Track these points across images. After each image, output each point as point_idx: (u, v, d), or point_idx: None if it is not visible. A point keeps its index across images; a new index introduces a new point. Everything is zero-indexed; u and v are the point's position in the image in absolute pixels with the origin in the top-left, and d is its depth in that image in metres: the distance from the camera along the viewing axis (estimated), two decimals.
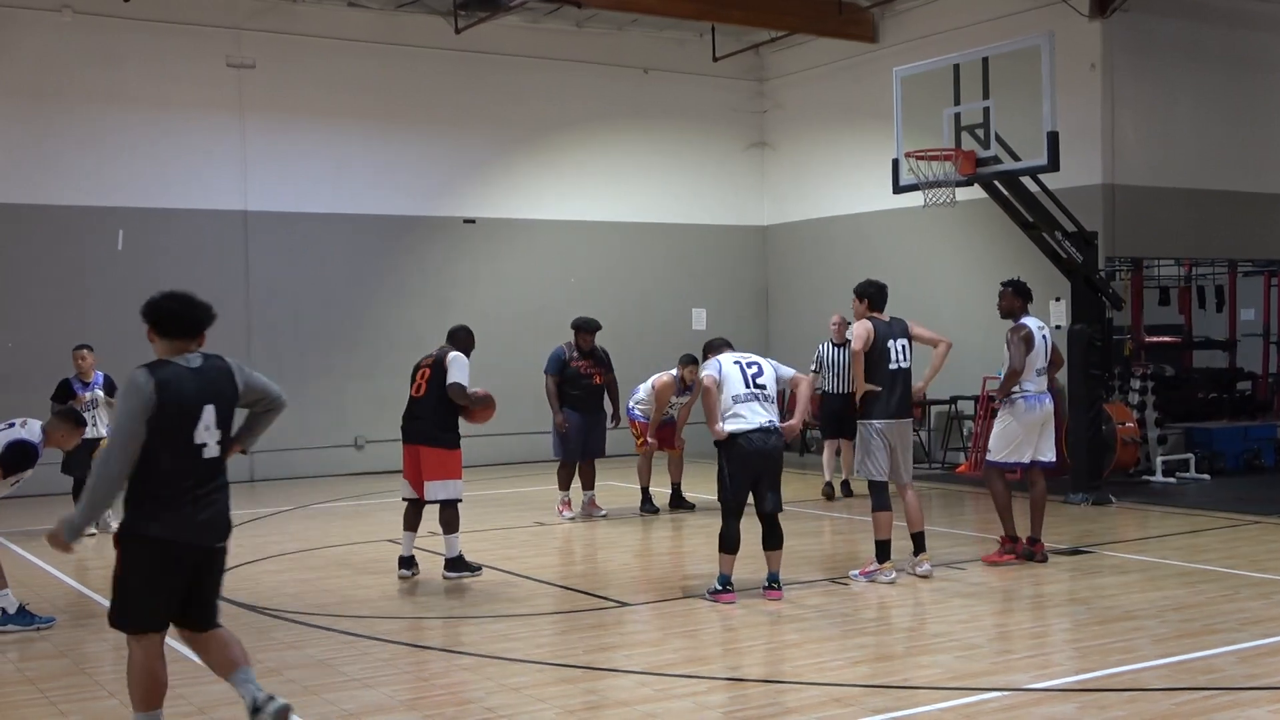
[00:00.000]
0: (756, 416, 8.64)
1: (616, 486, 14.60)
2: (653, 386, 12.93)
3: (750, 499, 8.81)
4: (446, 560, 9.79)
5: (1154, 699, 6.27)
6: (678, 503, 13.30)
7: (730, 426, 8.60)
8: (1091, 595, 8.82)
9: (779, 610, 8.45)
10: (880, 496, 9.32)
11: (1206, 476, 15.01)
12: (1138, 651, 7.25)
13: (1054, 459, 10.15)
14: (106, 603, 8.99)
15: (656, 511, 13.06)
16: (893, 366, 9.33)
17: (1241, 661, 7.00)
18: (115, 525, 12.62)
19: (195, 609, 5.41)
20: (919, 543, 9.47)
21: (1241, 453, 15.76)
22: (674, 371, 12.91)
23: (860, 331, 9.38)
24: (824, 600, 8.76)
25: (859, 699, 6.39)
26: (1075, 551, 10.45)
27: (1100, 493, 13.22)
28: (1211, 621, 7.91)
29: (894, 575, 9.24)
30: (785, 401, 12.37)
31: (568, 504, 12.83)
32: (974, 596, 8.84)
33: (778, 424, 8.77)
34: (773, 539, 8.83)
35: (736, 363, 8.88)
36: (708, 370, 8.84)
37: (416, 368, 9.95)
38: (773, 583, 8.84)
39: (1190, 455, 15.20)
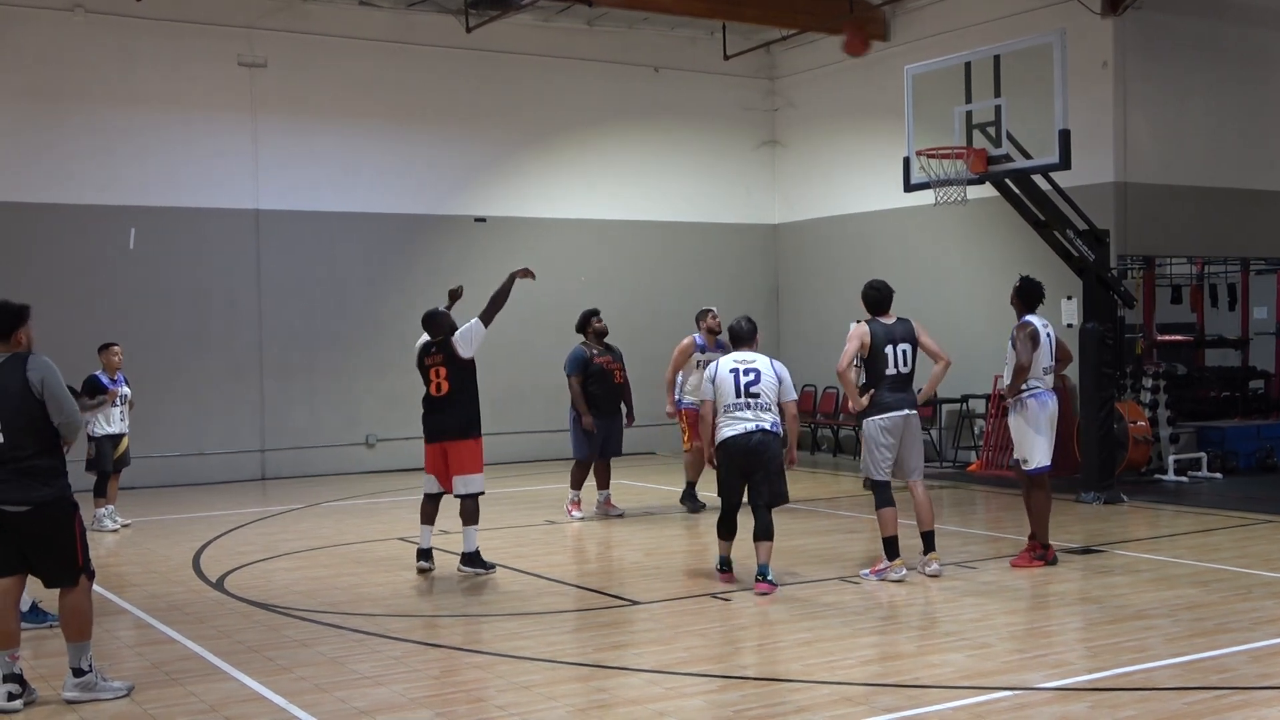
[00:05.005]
0: (744, 423, 8.88)
1: (626, 485, 14.60)
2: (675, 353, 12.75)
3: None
4: (463, 555, 9.84)
5: (1166, 698, 6.26)
6: (687, 500, 13.27)
7: (719, 435, 8.96)
8: (1103, 594, 8.81)
9: (788, 609, 8.45)
10: (882, 494, 9.31)
11: (1219, 475, 14.96)
12: (1150, 651, 7.24)
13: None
14: (120, 601, 9.07)
15: (703, 508, 12.91)
16: (890, 371, 9.29)
17: (1254, 661, 6.98)
18: (110, 525, 12.71)
19: (34, 567, 6.57)
20: (928, 542, 9.45)
21: (1254, 452, 15.71)
22: (695, 336, 12.74)
23: (850, 345, 9.33)
24: (834, 599, 8.75)
25: (869, 698, 6.39)
26: (1087, 550, 10.42)
27: (1112, 491, 13.18)
28: (1224, 621, 7.89)
29: (904, 571, 9.23)
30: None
31: (577, 504, 12.80)
32: (985, 595, 8.82)
33: (766, 426, 8.89)
34: (761, 530, 8.96)
35: (733, 370, 9.01)
36: (703, 394, 9.23)
37: (426, 366, 9.92)
38: (761, 575, 8.93)
39: (1202, 454, 15.16)
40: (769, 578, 8.92)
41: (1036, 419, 9.77)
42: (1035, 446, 9.78)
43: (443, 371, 9.80)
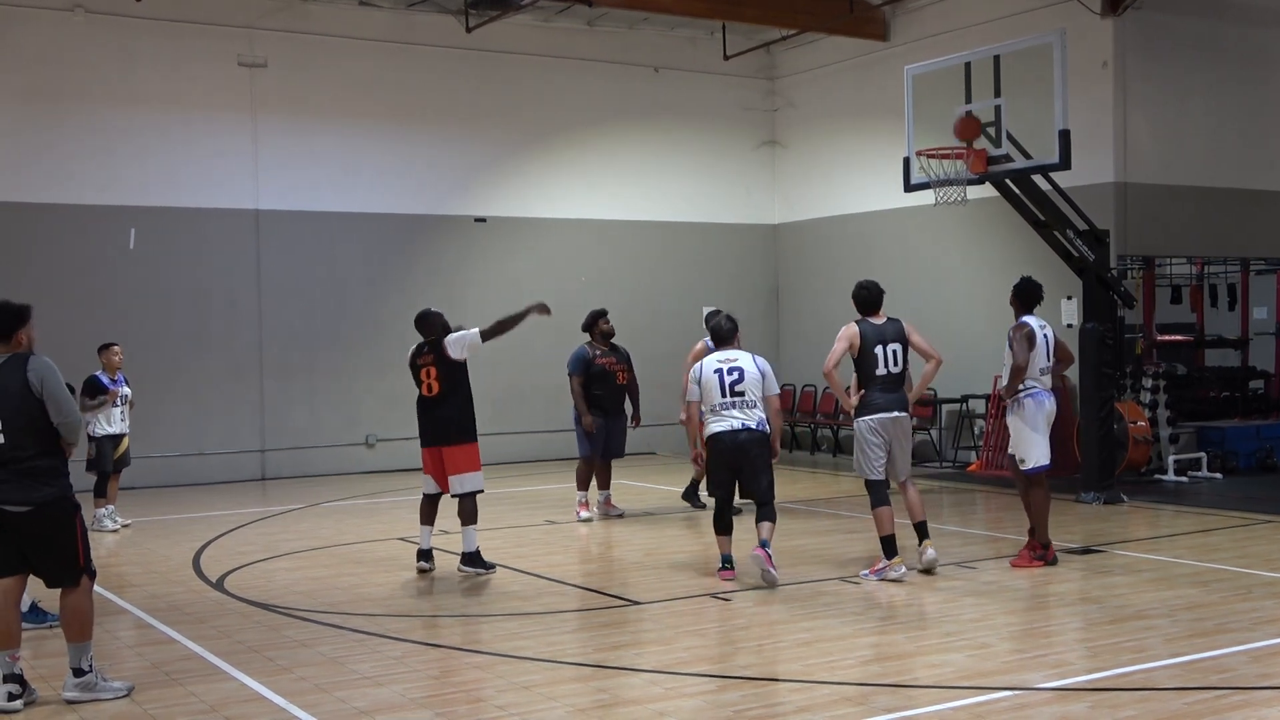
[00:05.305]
0: (731, 420, 9.13)
1: (626, 485, 14.58)
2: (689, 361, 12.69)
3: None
4: (463, 554, 9.85)
5: (1166, 698, 6.26)
6: (690, 496, 13.20)
7: (707, 431, 9.22)
8: (1103, 594, 8.81)
9: (788, 609, 8.45)
10: (877, 494, 9.40)
11: (1219, 475, 14.97)
12: (1149, 651, 7.24)
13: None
14: (120, 601, 9.07)
15: (705, 507, 12.83)
16: (880, 372, 9.36)
17: (1254, 661, 6.98)
18: (110, 525, 12.69)
19: (36, 567, 6.58)
20: (922, 531, 9.51)
21: (1254, 452, 15.71)
22: (707, 340, 12.63)
23: (841, 334, 9.41)
24: (834, 599, 8.76)
25: (869, 697, 6.39)
26: (1087, 550, 10.42)
27: (1112, 492, 13.18)
28: (1224, 621, 7.89)
29: (903, 570, 9.28)
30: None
31: (585, 504, 12.75)
32: (985, 595, 8.82)
33: (752, 425, 9.12)
34: (763, 515, 9.22)
35: (718, 370, 9.20)
36: (688, 395, 9.41)
37: (418, 366, 9.91)
38: (762, 545, 9.14)
39: (1202, 454, 15.16)
40: (768, 549, 9.12)
41: (1034, 418, 9.80)
42: (1032, 446, 9.81)
43: (433, 372, 9.78)
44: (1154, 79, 15.77)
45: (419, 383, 9.90)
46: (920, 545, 9.47)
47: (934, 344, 9.66)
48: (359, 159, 17.54)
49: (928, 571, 9.41)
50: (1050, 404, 9.88)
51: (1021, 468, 9.91)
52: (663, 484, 15.01)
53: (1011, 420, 9.95)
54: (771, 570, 9.04)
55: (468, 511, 9.79)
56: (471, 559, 9.82)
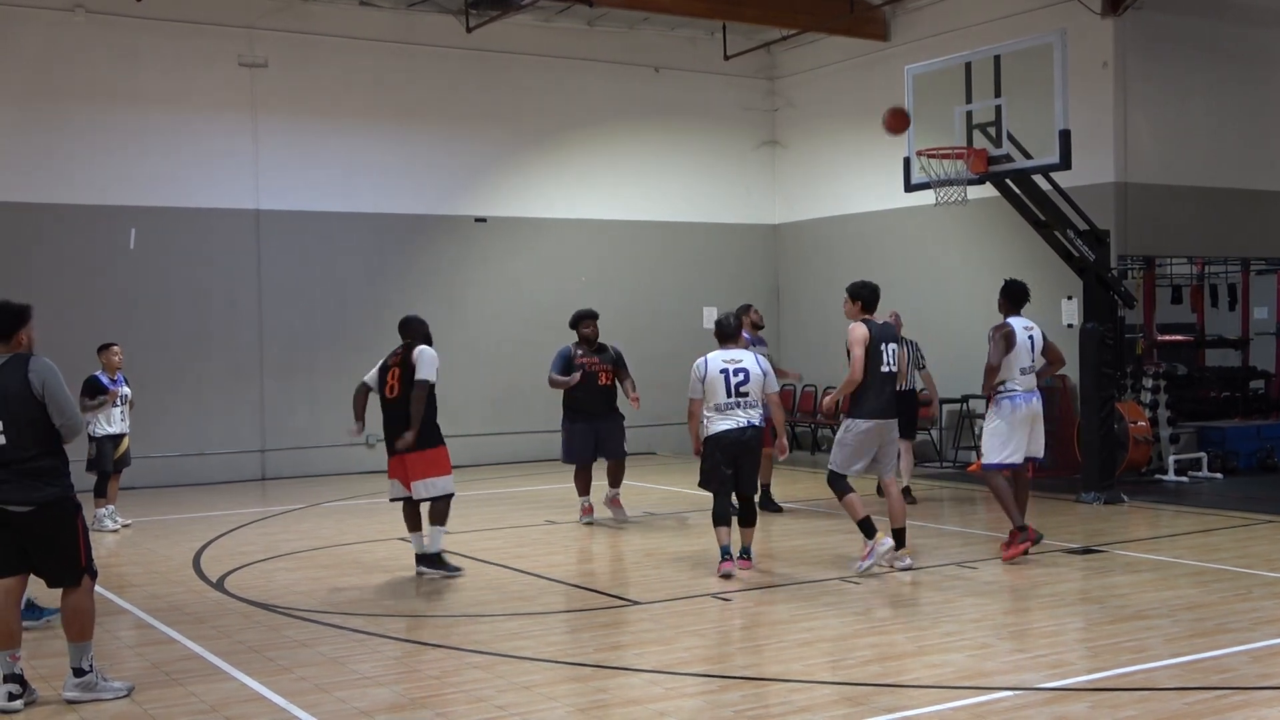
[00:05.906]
0: (735, 420, 9.35)
1: (626, 485, 14.54)
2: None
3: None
4: (424, 555, 9.71)
5: (1166, 698, 6.26)
6: (766, 504, 12.67)
7: (712, 429, 9.39)
8: (1103, 594, 8.81)
9: (789, 609, 8.46)
10: (840, 484, 9.57)
11: (1219, 475, 14.96)
12: (1150, 651, 7.24)
13: (1042, 454, 10.29)
14: (120, 601, 9.07)
15: (779, 511, 12.79)
16: (884, 369, 9.53)
17: (1254, 661, 6.98)
18: (111, 525, 12.70)
19: (37, 567, 6.59)
20: (899, 538, 9.61)
21: (1254, 452, 15.70)
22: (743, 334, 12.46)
23: (858, 335, 9.51)
24: (835, 599, 8.76)
25: (869, 698, 6.39)
26: (1087, 550, 10.43)
27: (1112, 492, 13.17)
28: (1224, 621, 7.89)
29: (889, 542, 9.47)
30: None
31: (588, 509, 12.49)
32: (986, 595, 8.83)
33: (756, 423, 9.39)
34: (746, 517, 9.69)
35: (723, 370, 9.37)
36: (692, 393, 9.51)
37: (386, 366, 9.83)
38: (744, 554, 9.61)
39: (1203, 454, 15.15)
40: (750, 556, 9.63)
41: (1006, 418, 9.99)
42: (991, 444, 10.04)
43: (397, 373, 9.69)
44: (1154, 79, 15.77)
45: (383, 383, 9.83)
46: (897, 552, 9.60)
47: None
48: (359, 159, 17.53)
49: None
50: (1027, 406, 10.02)
51: (984, 462, 10.13)
52: (663, 484, 15.00)
53: (987, 417, 10.18)
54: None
55: (438, 511, 9.66)
56: (432, 560, 9.67)
